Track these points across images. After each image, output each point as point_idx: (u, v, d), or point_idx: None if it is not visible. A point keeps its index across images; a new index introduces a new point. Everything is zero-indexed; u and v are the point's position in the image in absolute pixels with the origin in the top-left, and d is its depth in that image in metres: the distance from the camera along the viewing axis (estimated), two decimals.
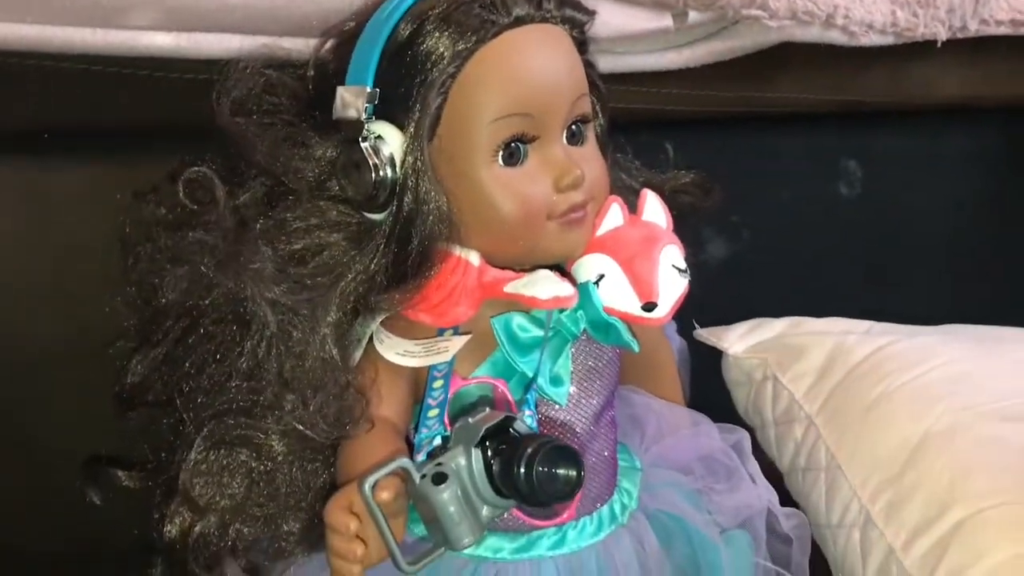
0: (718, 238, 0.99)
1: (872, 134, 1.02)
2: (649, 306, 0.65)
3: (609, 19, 0.76)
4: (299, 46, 0.68)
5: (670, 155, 0.78)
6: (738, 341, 0.86)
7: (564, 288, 0.61)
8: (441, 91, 0.59)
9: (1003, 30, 0.95)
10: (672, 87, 0.84)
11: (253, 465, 0.61)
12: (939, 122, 1.04)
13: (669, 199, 0.73)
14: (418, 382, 0.66)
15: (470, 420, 0.55)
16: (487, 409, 0.57)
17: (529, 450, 0.52)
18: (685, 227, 0.71)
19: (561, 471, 0.53)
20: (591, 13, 0.67)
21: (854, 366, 0.79)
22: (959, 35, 0.91)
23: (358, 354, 0.64)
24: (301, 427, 0.60)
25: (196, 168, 0.62)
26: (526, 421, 0.60)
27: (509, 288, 0.62)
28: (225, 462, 0.61)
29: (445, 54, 0.59)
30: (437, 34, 0.59)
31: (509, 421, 0.55)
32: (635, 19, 0.78)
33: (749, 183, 0.99)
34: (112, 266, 0.66)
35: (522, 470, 0.52)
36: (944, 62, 0.93)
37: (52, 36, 0.64)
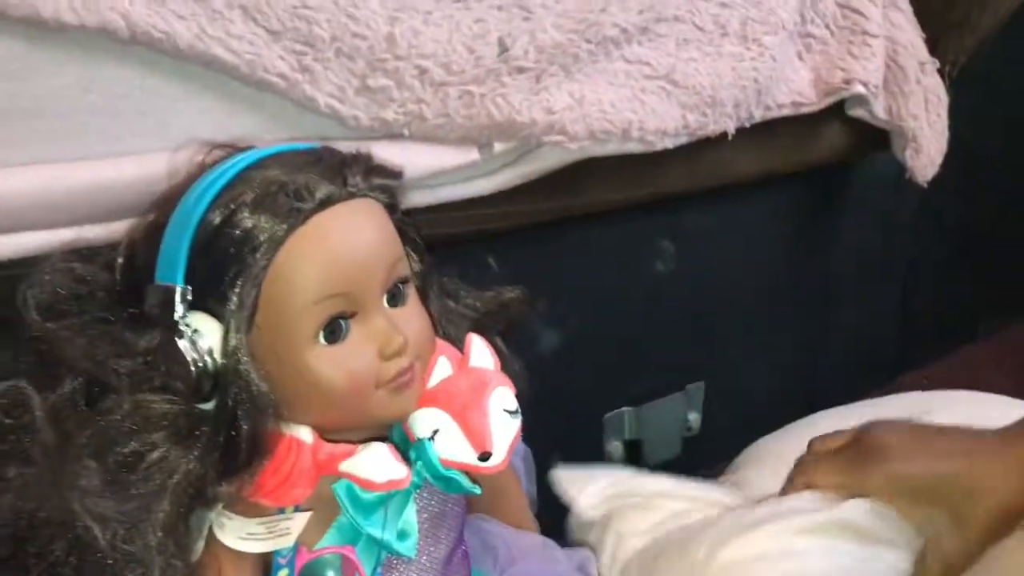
0: (548, 329, 1.03)
1: (679, 214, 1.08)
2: (484, 456, 0.67)
3: (418, 160, 0.77)
4: (103, 234, 0.67)
5: (494, 268, 0.81)
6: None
7: (397, 470, 0.62)
8: (256, 281, 0.59)
9: (785, 111, 1.03)
10: (487, 208, 0.86)
11: None
12: (737, 194, 1.11)
13: (497, 314, 0.76)
14: (266, 561, 0.66)
15: None
16: None
17: None
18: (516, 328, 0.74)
19: None
20: (398, 175, 0.68)
21: None
22: (746, 124, 0.97)
23: (200, 545, 0.64)
24: None
25: (10, 383, 0.60)
26: None
27: (344, 467, 0.62)
28: None
29: (257, 244, 0.59)
30: (247, 224, 0.59)
31: None
32: (443, 157, 0.79)
33: (573, 276, 1.04)
34: None
35: None
36: (735, 145, 0.99)
37: None
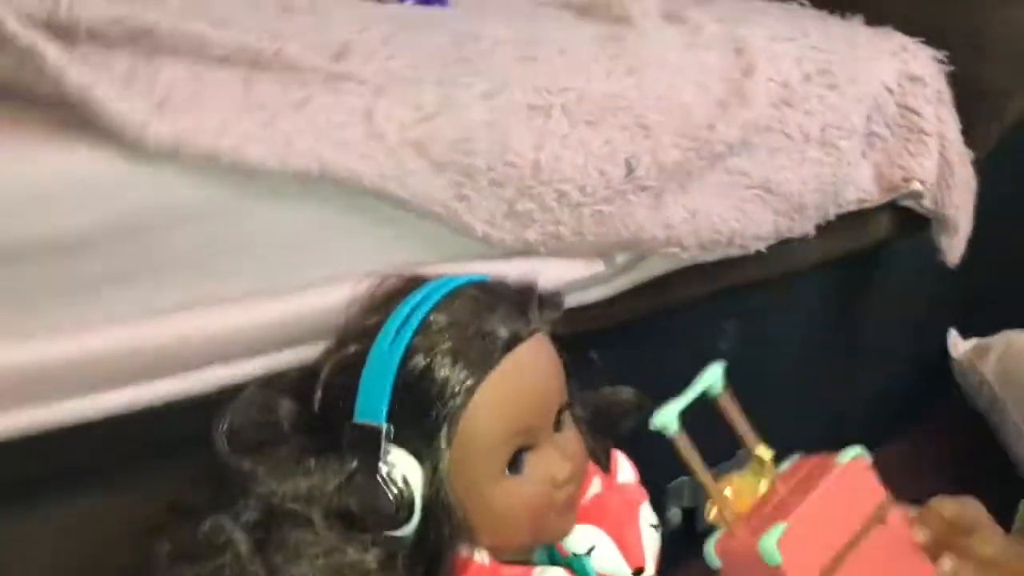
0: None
1: (742, 299, 1.14)
2: (638, 571, 0.72)
3: (550, 274, 0.82)
4: (293, 357, 0.70)
5: (597, 362, 0.85)
6: None
7: None
8: (454, 423, 0.64)
9: (851, 207, 1.09)
10: (589, 312, 0.91)
11: None
12: (796, 278, 1.17)
13: (609, 410, 0.81)
14: None
15: None
16: None
17: None
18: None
19: None
20: (561, 305, 0.73)
21: None
22: (821, 223, 1.04)
23: None
24: None
25: (217, 518, 0.63)
26: None
27: None
28: None
29: (457, 389, 0.63)
30: (445, 370, 0.63)
31: None
32: (573, 270, 0.84)
33: (646, 363, 1.09)
34: None
35: None
36: (802, 239, 1.05)
37: None
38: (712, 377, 0.74)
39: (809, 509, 0.69)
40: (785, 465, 0.79)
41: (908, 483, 1.45)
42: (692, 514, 1.23)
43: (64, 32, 0.61)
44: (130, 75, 0.63)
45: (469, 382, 0.63)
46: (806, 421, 1.36)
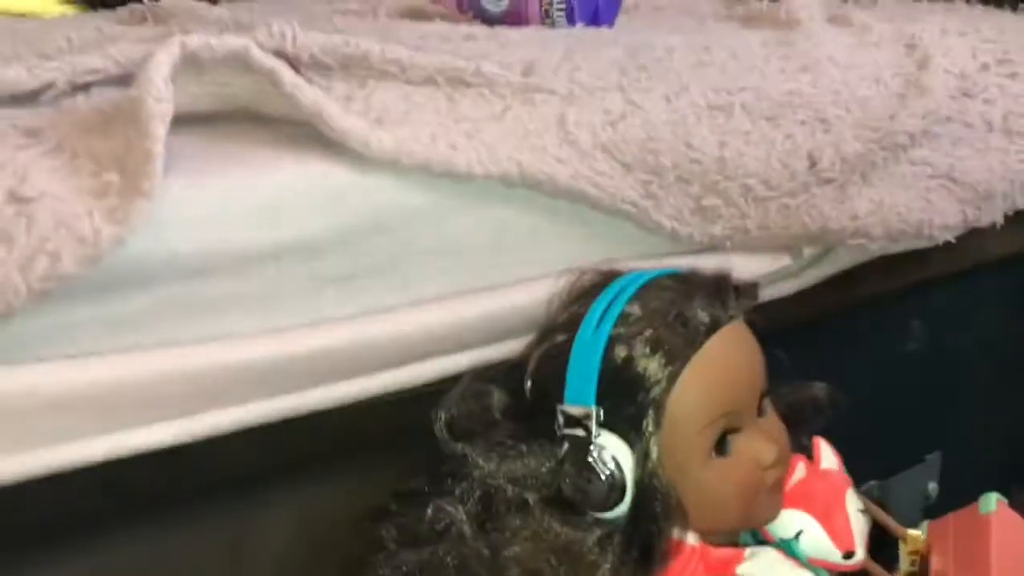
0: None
1: (931, 295, 1.12)
2: (849, 554, 0.72)
3: (738, 268, 0.83)
4: (496, 353, 0.74)
5: (784, 362, 0.85)
6: None
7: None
8: (661, 406, 0.66)
9: None
10: (778, 308, 0.92)
11: None
12: (984, 273, 1.14)
13: (803, 406, 0.81)
14: None
15: None
16: None
17: None
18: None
19: None
20: (756, 293, 0.74)
21: None
22: (1010, 213, 1.01)
23: None
24: None
25: (441, 500, 0.68)
26: None
27: (744, 572, 0.68)
28: None
29: (661, 375, 0.66)
30: (649, 357, 0.66)
31: None
32: (760, 264, 0.86)
33: (833, 363, 1.08)
34: None
35: None
36: (990, 231, 1.03)
37: None
38: None
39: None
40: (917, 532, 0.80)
41: None
42: None
43: (289, 62, 0.68)
44: (348, 97, 0.69)
45: (672, 367, 0.66)
46: (1011, 429, 1.32)
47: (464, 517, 0.67)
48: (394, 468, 0.73)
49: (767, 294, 0.90)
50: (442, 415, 0.70)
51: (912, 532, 0.80)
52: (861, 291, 0.99)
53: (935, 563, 0.77)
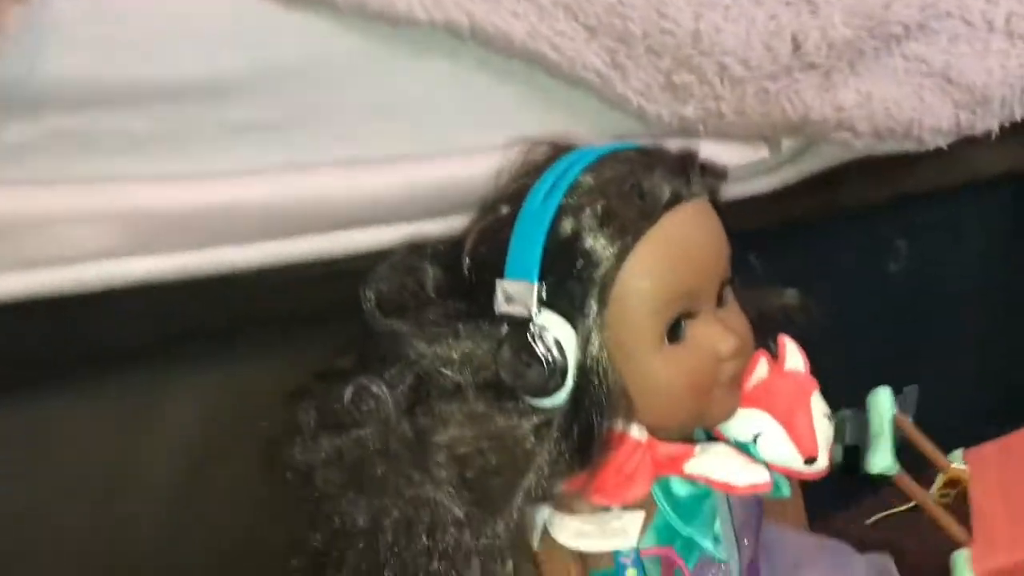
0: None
1: (916, 212, 1.06)
2: (810, 460, 0.66)
3: (714, 157, 0.77)
4: (439, 228, 0.68)
5: (757, 267, 0.79)
6: None
7: (759, 474, 0.62)
8: (608, 283, 0.59)
9: None
10: (754, 207, 0.85)
11: None
12: (972, 193, 1.08)
13: (768, 314, 0.75)
14: (584, 554, 0.66)
15: None
16: None
17: None
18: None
19: None
20: (725, 173, 0.68)
21: None
22: (1007, 123, 0.94)
23: (535, 541, 0.64)
24: None
25: (363, 378, 0.61)
26: None
27: (693, 469, 0.62)
28: None
29: (610, 249, 0.59)
30: (599, 229, 0.59)
31: None
32: (734, 153, 0.79)
33: (808, 278, 1.02)
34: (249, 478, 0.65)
35: None
36: (985, 143, 0.96)
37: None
38: (887, 402, 0.76)
39: None
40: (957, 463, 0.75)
41: None
42: (855, 453, 1.15)
43: None
44: None
45: (624, 240, 0.59)
46: (990, 363, 1.26)
47: (389, 397, 0.61)
48: (319, 346, 0.66)
49: (743, 190, 0.83)
50: (371, 289, 0.64)
51: (955, 466, 0.74)
52: (844, 197, 0.92)
53: (976, 494, 0.71)
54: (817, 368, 1.07)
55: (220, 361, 0.68)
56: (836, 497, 1.21)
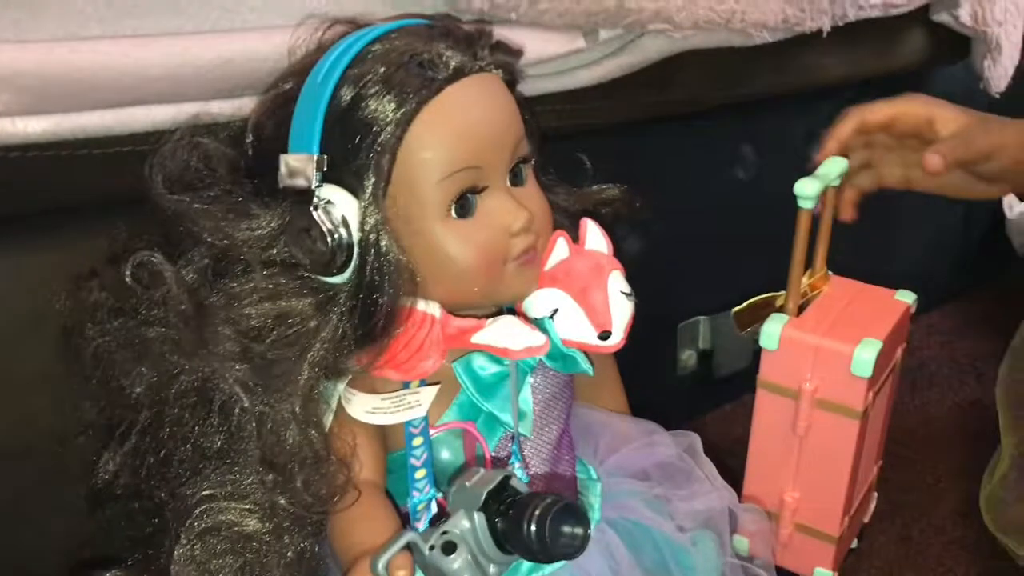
0: (632, 235, 1.02)
1: (760, 118, 1.07)
2: (604, 335, 0.67)
3: (528, 47, 0.77)
4: (228, 109, 0.66)
5: (587, 166, 0.80)
6: None
7: (535, 337, 0.63)
8: (391, 153, 0.59)
9: (875, 12, 1.01)
10: (581, 103, 0.86)
11: (240, 547, 0.61)
12: (818, 100, 1.09)
13: (594, 211, 0.75)
14: (385, 433, 0.66)
15: (467, 484, 0.56)
16: (479, 469, 0.58)
17: (537, 511, 0.53)
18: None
19: (567, 528, 0.54)
20: (519, 53, 0.68)
21: None
22: (839, 23, 0.96)
23: (329, 418, 0.64)
24: (287, 504, 0.60)
25: (144, 253, 0.60)
26: (518, 475, 0.61)
27: (478, 339, 0.63)
28: (213, 549, 0.60)
29: (391, 117, 0.59)
30: (379, 97, 0.59)
31: (506, 480, 0.56)
32: (549, 43, 0.78)
33: (656, 180, 1.03)
34: (49, 357, 0.64)
35: (532, 529, 0.53)
36: (822, 48, 0.98)
37: None
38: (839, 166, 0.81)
39: (885, 338, 0.78)
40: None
41: (958, 342, 1.37)
42: (708, 357, 1.18)
43: None
44: None
45: (403, 109, 0.59)
46: (842, 270, 1.28)
47: (172, 273, 0.60)
48: (111, 230, 0.65)
49: (564, 83, 0.83)
50: (156, 166, 0.62)
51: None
52: (678, 94, 0.92)
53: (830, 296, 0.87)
54: (664, 276, 1.09)
55: (11, 247, 0.66)
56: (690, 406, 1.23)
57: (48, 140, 0.61)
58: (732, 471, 0.81)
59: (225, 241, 0.61)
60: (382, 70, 0.59)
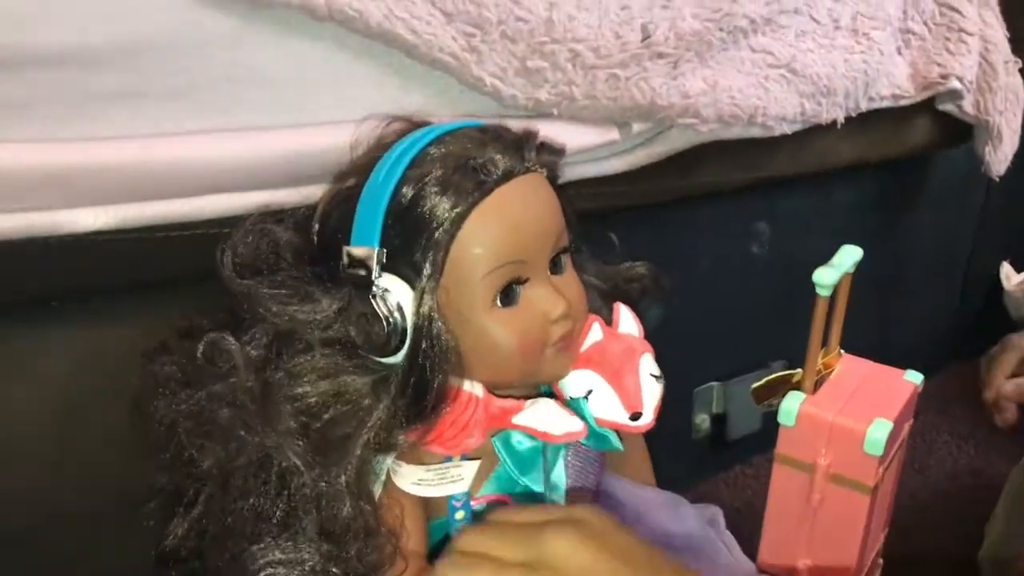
0: (654, 306, 1.08)
1: (776, 198, 1.13)
2: (636, 416, 0.72)
3: (564, 138, 0.81)
4: (295, 197, 0.72)
5: (615, 244, 0.85)
6: None
7: (574, 423, 0.68)
8: (444, 249, 0.64)
9: (886, 103, 1.07)
10: (612, 187, 0.91)
11: None
12: (828, 181, 1.16)
13: (625, 287, 0.81)
14: (427, 502, 0.71)
15: None
16: None
17: None
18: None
19: None
20: (562, 152, 0.73)
21: None
22: (852, 114, 1.02)
23: (378, 490, 0.69)
24: (340, 573, 0.64)
25: (215, 334, 0.65)
26: None
27: (519, 420, 0.68)
28: None
29: (446, 216, 0.64)
30: (437, 198, 0.64)
31: None
32: (586, 135, 0.84)
33: (676, 255, 1.09)
34: (120, 428, 0.69)
35: None
36: (836, 134, 1.04)
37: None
38: (855, 255, 0.79)
39: (896, 418, 0.77)
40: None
41: (955, 410, 1.42)
42: (721, 421, 1.22)
43: None
44: None
45: (458, 209, 0.64)
46: (849, 339, 1.34)
47: (239, 352, 0.65)
48: (179, 309, 0.70)
49: (596, 170, 0.89)
50: (228, 252, 0.67)
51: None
52: (700, 179, 0.98)
53: (842, 376, 0.84)
54: (682, 344, 1.15)
55: (88, 319, 0.71)
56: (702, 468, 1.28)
57: (132, 226, 0.66)
58: (741, 531, 0.85)
59: (288, 322, 0.67)
60: (439, 172, 0.65)
